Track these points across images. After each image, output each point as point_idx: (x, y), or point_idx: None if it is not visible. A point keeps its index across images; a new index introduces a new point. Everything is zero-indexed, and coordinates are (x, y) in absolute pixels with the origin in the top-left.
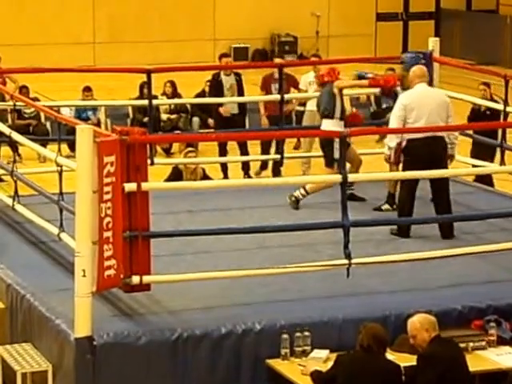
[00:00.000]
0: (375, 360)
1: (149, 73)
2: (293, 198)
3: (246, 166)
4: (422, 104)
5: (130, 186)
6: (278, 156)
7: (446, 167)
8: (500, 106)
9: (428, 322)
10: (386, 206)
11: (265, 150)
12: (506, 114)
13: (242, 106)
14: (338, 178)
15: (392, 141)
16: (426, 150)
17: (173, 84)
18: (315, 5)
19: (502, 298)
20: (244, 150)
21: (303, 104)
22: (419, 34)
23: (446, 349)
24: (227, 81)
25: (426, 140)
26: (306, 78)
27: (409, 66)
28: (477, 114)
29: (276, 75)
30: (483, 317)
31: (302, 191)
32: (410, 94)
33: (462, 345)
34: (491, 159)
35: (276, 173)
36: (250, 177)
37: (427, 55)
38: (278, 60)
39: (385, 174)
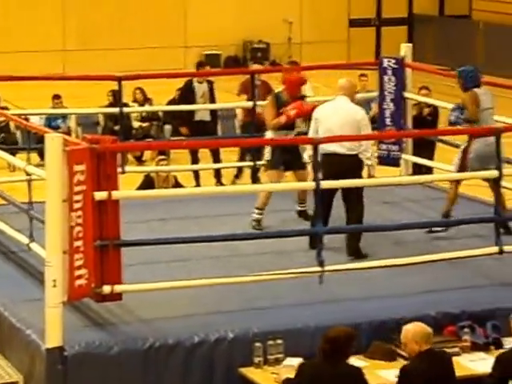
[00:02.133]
0: (334, 365)
1: (119, 80)
2: (253, 223)
3: (218, 174)
4: (327, 119)
5: (101, 195)
6: (251, 163)
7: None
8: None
9: (420, 335)
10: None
11: (241, 158)
12: None
13: (213, 113)
14: (312, 185)
15: (307, 152)
16: (327, 167)
17: (142, 91)
18: (287, 11)
19: (476, 303)
20: (216, 158)
21: None
22: (392, 39)
23: (430, 365)
24: (200, 88)
25: (326, 156)
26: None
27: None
28: (418, 118)
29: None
30: (457, 323)
31: (255, 210)
32: (323, 106)
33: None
34: (431, 158)
35: (255, 180)
36: (222, 184)
37: (399, 61)
38: (255, 66)
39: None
